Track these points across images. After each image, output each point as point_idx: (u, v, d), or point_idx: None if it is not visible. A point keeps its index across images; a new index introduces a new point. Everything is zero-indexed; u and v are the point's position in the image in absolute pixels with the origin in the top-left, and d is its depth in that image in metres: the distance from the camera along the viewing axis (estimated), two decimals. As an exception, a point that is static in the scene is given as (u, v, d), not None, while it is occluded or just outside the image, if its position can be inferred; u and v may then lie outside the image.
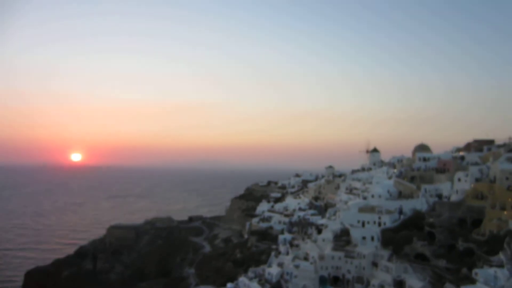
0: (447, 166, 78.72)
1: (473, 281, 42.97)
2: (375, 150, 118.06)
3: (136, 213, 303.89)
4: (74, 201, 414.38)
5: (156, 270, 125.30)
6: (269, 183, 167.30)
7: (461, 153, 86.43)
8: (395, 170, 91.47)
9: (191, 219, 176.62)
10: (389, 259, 55.61)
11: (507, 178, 60.66)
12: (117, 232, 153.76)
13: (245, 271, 74.43)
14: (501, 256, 45.60)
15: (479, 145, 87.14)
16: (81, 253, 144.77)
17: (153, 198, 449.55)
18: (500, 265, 43.79)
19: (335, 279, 57.76)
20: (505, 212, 54.95)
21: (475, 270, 44.39)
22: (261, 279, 64.67)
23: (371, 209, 69.08)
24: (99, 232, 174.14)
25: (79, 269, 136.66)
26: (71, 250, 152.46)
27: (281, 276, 61.59)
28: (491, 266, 44.54)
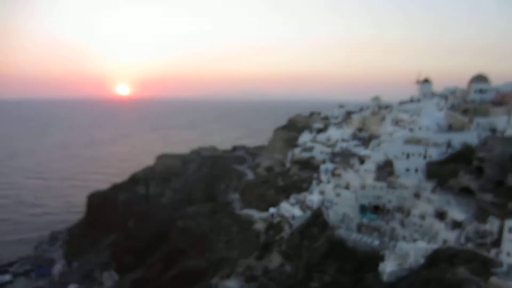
0: (506, 98, 73.39)
1: (520, 216, 42.13)
2: (426, 81, 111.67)
3: (181, 143, 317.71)
4: (123, 133, 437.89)
5: (202, 195, 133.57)
6: (312, 114, 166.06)
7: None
8: (447, 102, 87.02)
9: (234, 148, 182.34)
10: (432, 191, 55.36)
11: None
12: (166, 160, 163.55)
13: (287, 198, 77.64)
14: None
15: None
16: (134, 180, 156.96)
17: (197, 130, 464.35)
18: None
19: (375, 208, 58.89)
20: None
21: (523, 205, 43.35)
22: (302, 205, 67.33)
23: (417, 141, 67.44)
24: (148, 161, 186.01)
25: (134, 193, 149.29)
26: (125, 177, 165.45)
27: (322, 203, 63.66)
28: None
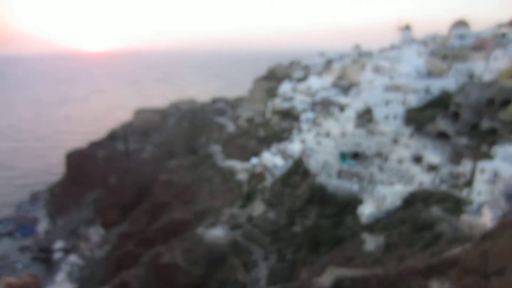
0: (485, 44, 73.66)
1: (491, 158, 43.86)
2: (407, 28, 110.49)
3: (159, 97, 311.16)
4: (96, 88, 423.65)
5: (184, 149, 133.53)
6: (292, 63, 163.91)
7: (503, 30, 79.70)
8: (428, 49, 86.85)
9: (214, 100, 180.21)
10: (410, 137, 56.73)
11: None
12: (144, 115, 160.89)
13: (268, 148, 78.45)
14: (525, 135, 45.54)
15: (524, 20, 79.91)
16: (113, 136, 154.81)
17: (174, 83, 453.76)
18: (522, 143, 44.00)
19: (355, 155, 60.23)
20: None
21: (494, 148, 44.97)
22: (283, 154, 68.23)
23: (396, 88, 67.94)
24: (126, 116, 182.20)
25: (113, 150, 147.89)
26: (102, 134, 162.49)
27: (303, 151, 64.61)
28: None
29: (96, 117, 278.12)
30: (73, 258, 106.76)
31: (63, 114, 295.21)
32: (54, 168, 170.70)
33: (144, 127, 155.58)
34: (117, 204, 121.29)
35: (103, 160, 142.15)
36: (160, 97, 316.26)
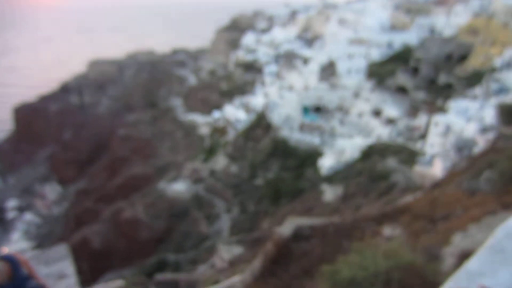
0: (447, -2, 74.38)
1: (445, 111, 45.57)
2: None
3: (113, 47, 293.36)
4: (42, 36, 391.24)
5: (143, 102, 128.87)
6: (255, 13, 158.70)
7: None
8: (393, 2, 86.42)
9: (174, 51, 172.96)
10: (371, 91, 57.58)
11: (506, 14, 58.19)
12: (99, 67, 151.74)
13: (231, 101, 77.32)
14: (477, 90, 47.36)
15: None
16: (66, 89, 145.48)
17: (129, 32, 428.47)
18: (474, 98, 45.87)
19: (317, 109, 60.62)
20: (493, 49, 54.57)
21: (449, 102, 46.64)
22: (246, 108, 67.56)
23: (360, 42, 67.83)
24: (79, 68, 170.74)
25: (67, 104, 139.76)
26: (53, 87, 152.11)
27: (266, 105, 64.18)
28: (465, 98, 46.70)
29: (44, 68, 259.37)
30: (28, 216, 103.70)
31: (6, 65, 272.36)
32: (0, 124, 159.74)
33: (100, 79, 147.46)
34: (73, 160, 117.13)
35: (56, 115, 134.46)
36: (115, 47, 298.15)
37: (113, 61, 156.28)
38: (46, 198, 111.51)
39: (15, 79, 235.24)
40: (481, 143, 34.44)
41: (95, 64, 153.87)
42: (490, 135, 34.60)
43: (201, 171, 60.33)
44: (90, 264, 56.77)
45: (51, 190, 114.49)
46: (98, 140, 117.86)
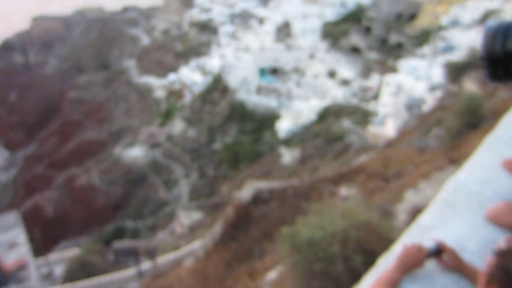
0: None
1: (396, 71, 46.97)
2: None
3: (57, 2, 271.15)
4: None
5: (94, 63, 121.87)
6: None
7: None
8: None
9: (125, 9, 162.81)
10: (326, 51, 57.92)
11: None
12: (44, 23, 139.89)
13: (186, 63, 75.07)
14: (425, 49, 48.94)
15: None
16: (7, 47, 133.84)
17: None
18: (423, 57, 47.46)
19: (274, 70, 60.40)
20: (440, 8, 55.95)
21: (399, 61, 48.02)
22: (202, 70, 66.02)
23: (314, 1, 67.13)
24: (21, 24, 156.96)
25: (10, 63, 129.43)
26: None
27: (223, 67, 63.02)
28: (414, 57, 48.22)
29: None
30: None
31: None
32: None
33: (45, 37, 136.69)
34: (20, 124, 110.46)
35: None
36: (59, 2, 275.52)
37: (59, 18, 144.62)
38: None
39: None
40: (430, 101, 36.03)
41: (39, 20, 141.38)
42: (438, 93, 36.32)
43: (158, 136, 59.26)
44: (44, 232, 55.41)
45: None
46: (46, 103, 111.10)
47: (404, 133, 26.71)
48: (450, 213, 2.31)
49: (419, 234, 2.19)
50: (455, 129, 13.81)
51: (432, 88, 38.31)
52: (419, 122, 26.79)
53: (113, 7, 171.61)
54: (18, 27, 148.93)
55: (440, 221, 2.25)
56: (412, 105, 38.23)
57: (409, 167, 13.78)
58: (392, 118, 38.26)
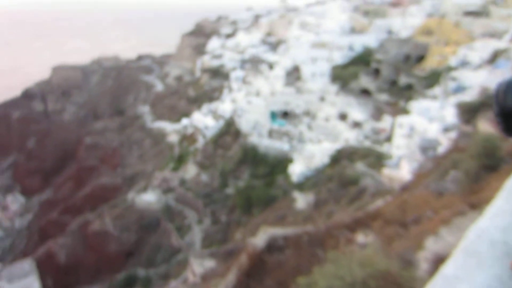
0: (402, 0, 76.99)
1: (408, 113, 47.10)
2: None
3: (75, 53, 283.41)
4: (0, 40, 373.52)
5: (109, 109, 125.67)
6: (219, 18, 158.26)
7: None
8: (350, 4, 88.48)
9: (139, 57, 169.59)
10: (336, 94, 58.68)
11: (456, 13, 61.00)
12: (63, 72, 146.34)
13: (199, 108, 76.67)
14: (436, 90, 49.27)
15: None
16: (28, 95, 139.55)
17: (90, 38, 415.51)
18: (434, 98, 47.68)
19: (285, 114, 61.15)
20: (447, 48, 56.99)
21: (410, 103, 48.25)
22: (214, 115, 67.18)
23: (322, 45, 68.98)
24: (41, 73, 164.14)
25: (30, 110, 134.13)
26: (15, 93, 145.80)
27: (234, 111, 64.10)
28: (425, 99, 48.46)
29: (2, 73, 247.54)
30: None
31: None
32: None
33: (64, 85, 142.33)
34: (37, 170, 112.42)
35: (19, 122, 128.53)
36: (76, 53, 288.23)
37: (77, 67, 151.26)
38: (8, 210, 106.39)
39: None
40: (445, 142, 35.61)
41: (58, 70, 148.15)
42: (453, 134, 35.93)
43: (171, 181, 59.44)
44: (56, 280, 54.62)
45: (14, 201, 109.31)
46: (63, 149, 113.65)
47: (419, 176, 26.20)
48: (474, 263, 2.20)
49: (443, 285, 2.08)
50: (473, 172, 13.41)
51: (446, 129, 38.05)
52: (435, 164, 26.31)
53: (128, 56, 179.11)
54: (37, 77, 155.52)
55: (464, 271, 2.13)
56: (427, 147, 37.83)
57: (427, 212, 13.37)
58: (406, 161, 37.76)
